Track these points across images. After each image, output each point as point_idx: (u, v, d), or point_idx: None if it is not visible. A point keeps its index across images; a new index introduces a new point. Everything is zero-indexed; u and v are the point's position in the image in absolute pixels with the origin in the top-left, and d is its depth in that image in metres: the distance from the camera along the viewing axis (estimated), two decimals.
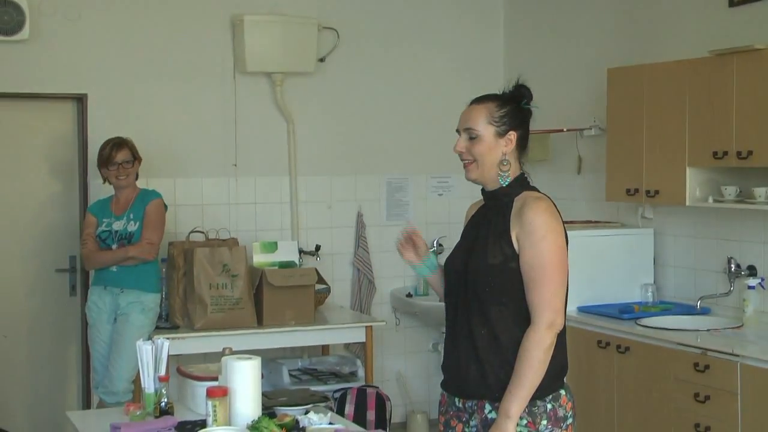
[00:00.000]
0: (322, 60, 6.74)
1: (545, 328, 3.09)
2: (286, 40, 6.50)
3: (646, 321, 5.38)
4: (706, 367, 4.84)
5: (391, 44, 7.01)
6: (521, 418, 3.11)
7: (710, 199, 5.30)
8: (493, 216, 3.25)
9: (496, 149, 3.23)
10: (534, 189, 3.28)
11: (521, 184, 3.27)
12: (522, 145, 3.28)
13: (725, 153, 5.09)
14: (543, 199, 3.22)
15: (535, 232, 3.12)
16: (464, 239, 3.37)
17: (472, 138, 3.24)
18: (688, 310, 5.61)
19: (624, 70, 5.80)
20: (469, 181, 3.34)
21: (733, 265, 5.44)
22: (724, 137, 5.10)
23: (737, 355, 4.69)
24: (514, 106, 3.25)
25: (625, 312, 5.55)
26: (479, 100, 3.28)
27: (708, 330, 5.17)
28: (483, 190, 3.34)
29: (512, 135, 3.23)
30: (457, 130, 3.29)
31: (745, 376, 4.65)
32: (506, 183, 3.24)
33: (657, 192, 5.52)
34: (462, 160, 3.28)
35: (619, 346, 5.38)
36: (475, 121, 3.24)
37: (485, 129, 3.23)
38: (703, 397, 4.85)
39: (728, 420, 4.73)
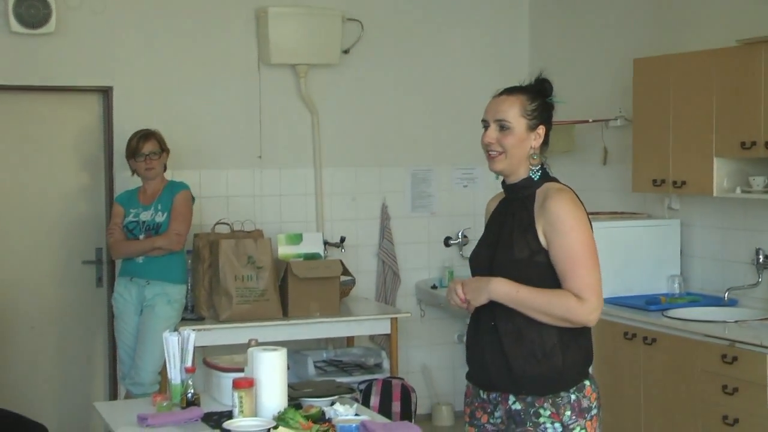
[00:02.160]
0: (346, 51, 6.73)
1: (593, 309, 3.11)
2: (311, 32, 6.50)
3: (672, 312, 5.35)
4: (734, 359, 4.81)
5: (415, 35, 6.99)
6: (545, 409, 3.12)
7: (738, 190, 5.26)
8: (516, 209, 3.24)
9: (526, 142, 3.22)
10: (555, 180, 3.27)
11: (542, 175, 3.26)
12: (547, 139, 3.27)
13: (753, 143, 5.05)
14: (565, 191, 3.21)
15: (562, 223, 3.12)
16: (488, 234, 3.36)
17: (504, 129, 3.22)
18: (716, 302, 5.58)
19: (650, 60, 5.76)
20: (492, 173, 3.32)
21: (761, 256, 5.40)
22: (752, 127, 5.06)
23: (765, 347, 4.66)
24: (542, 101, 3.24)
25: (652, 303, 5.53)
26: (510, 92, 3.26)
27: (736, 321, 5.14)
28: (504, 182, 3.33)
29: (541, 129, 3.23)
30: (484, 121, 3.27)
31: None
32: (537, 177, 3.23)
33: (684, 183, 5.49)
34: (489, 150, 3.25)
35: (645, 338, 5.35)
36: (507, 112, 3.22)
37: (518, 121, 3.21)
38: (731, 389, 4.82)
39: (757, 412, 4.69)
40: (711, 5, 5.75)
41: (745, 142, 5.09)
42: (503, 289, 3.14)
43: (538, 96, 3.24)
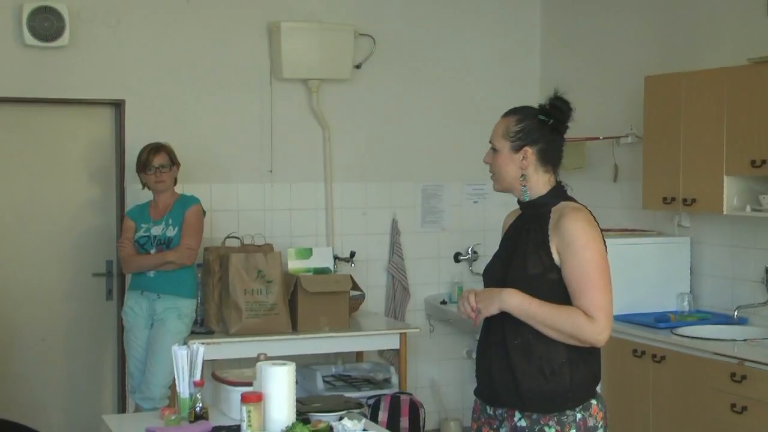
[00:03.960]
0: (358, 67, 6.75)
1: (603, 330, 3.11)
2: (323, 47, 6.52)
3: (682, 330, 5.35)
4: (743, 377, 4.79)
5: (427, 51, 7.01)
6: (550, 427, 3.12)
7: (748, 208, 5.26)
8: (531, 226, 3.25)
9: (512, 164, 3.25)
10: (571, 199, 3.28)
11: (558, 194, 3.27)
12: (548, 159, 3.25)
13: (763, 161, 5.05)
14: (581, 210, 3.21)
15: (575, 241, 3.12)
16: (502, 249, 3.37)
17: (495, 151, 3.29)
18: (725, 320, 5.57)
19: (661, 78, 5.77)
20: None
21: None
22: (762, 146, 5.06)
23: None
24: (535, 121, 3.24)
25: (661, 321, 5.52)
26: (506, 114, 3.31)
27: (745, 340, 5.13)
28: (519, 200, 3.34)
29: (527, 150, 3.23)
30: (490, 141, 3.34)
31: None
32: (526, 198, 3.26)
33: (694, 200, 5.49)
34: (490, 171, 3.32)
35: (654, 356, 5.34)
36: (495, 134, 3.29)
37: (501, 143, 3.26)
38: (740, 408, 4.80)
39: (766, 431, 4.68)
40: (722, 24, 5.75)
41: (756, 160, 5.09)
42: (515, 301, 3.14)
43: (531, 116, 3.24)
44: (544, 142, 3.24)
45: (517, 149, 3.24)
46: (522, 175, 3.24)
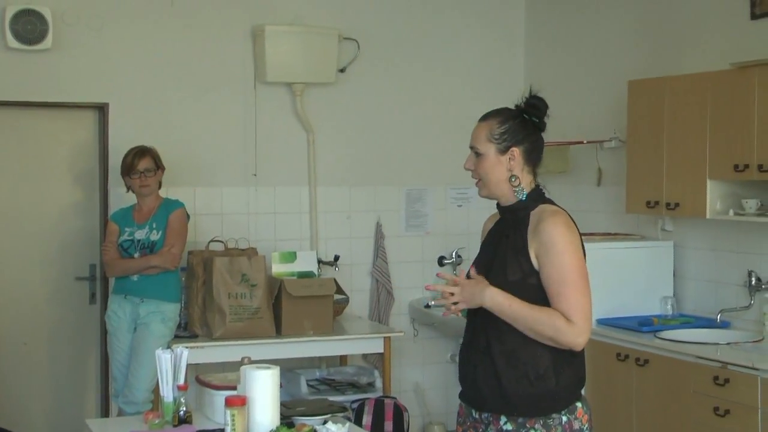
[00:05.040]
0: (342, 70, 6.75)
1: (581, 333, 3.11)
2: (307, 51, 6.52)
3: (665, 334, 5.36)
4: (726, 380, 4.81)
5: (411, 55, 7.01)
6: (536, 430, 3.13)
7: (731, 212, 5.28)
8: (510, 231, 3.25)
9: (500, 166, 3.24)
10: (550, 201, 3.28)
11: (536, 197, 3.27)
12: (532, 159, 3.27)
13: (746, 166, 5.07)
14: (559, 213, 3.21)
15: (554, 245, 3.12)
16: (482, 254, 3.37)
17: (478, 156, 3.27)
18: (708, 324, 5.59)
19: (644, 83, 5.79)
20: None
21: (753, 279, 5.41)
22: (745, 150, 5.08)
23: (758, 369, 4.66)
24: (517, 121, 3.24)
25: (645, 325, 5.53)
26: (484, 117, 3.30)
27: (728, 343, 5.15)
28: (498, 204, 3.34)
29: (515, 151, 3.24)
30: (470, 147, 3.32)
31: (766, 390, 4.62)
32: (524, 197, 3.24)
33: (677, 205, 5.51)
34: (472, 177, 3.31)
35: (638, 359, 5.36)
36: (477, 139, 3.27)
37: (486, 147, 3.25)
38: (723, 412, 4.82)
39: None
40: (705, 29, 5.78)
41: (738, 164, 5.11)
42: (497, 299, 3.14)
43: (513, 117, 3.25)
44: (529, 141, 3.25)
45: (503, 151, 3.24)
46: (513, 176, 3.24)
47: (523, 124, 3.25)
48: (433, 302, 3.29)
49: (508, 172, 3.24)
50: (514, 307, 3.13)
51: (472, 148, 3.28)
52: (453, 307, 3.21)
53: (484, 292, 3.16)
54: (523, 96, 3.29)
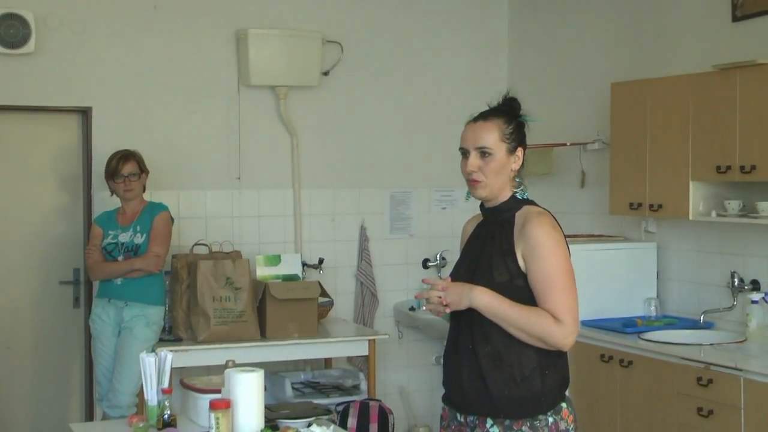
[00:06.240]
0: (326, 74, 6.75)
1: (570, 333, 3.12)
2: (290, 54, 6.52)
3: (649, 335, 5.38)
4: (710, 381, 4.83)
5: (394, 58, 7.02)
6: None
7: (713, 214, 5.30)
8: (495, 233, 3.25)
9: (507, 167, 3.24)
10: (533, 203, 3.29)
11: (520, 198, 3.28)
12: (523, 161, 3.29)
13: (728, 167, 5.09)
14: (544, 214, 3.22)
15: (541, 247, 3.13)
16: (466, 256, 3.36)
17: (485, 156, 3.22)
18: (692, 325, 5.61)
19: (627, 85, 5.81)
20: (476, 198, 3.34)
21: (736, 280, 5.44)
22: (727, 151, 5.11)
23: (740, 370, 4.69)
24: (518, 121, 3.26)
25: (628, 326, 5.55)
26: (486, 117, 3.26)
27: (711, 344, 5.17)
28: (482, 205, 3.34)
29: (520, 151, 3.25)
30: (462, 149, 3.27)
31: (749, 390, 4.65)
32: (524, 196, 3.26)
33: (660, 206, 5.53)
34: (471, 179, 3.24)
35: (621, 360, 5.37)
36: (487, 138, 3.21)
37: (498, 147, 3.21)
38: (707, 412, 4.84)
39: None
40: (688, 31, 5.81)
41: (721, 166, 5.13)
42: (485, 299, 3.14)
43: (512, 117, 3.26)
44: (525, 141, 3.28)
45: (512, 150, 3.24)
46: (517, 177, 3.25)
47: (519, 124, 3.27)
48: (424, 308, 3.26)
49: (512, 173, 3.25)
50: (503, 306, 3.13)
51: (479, 148, 3.21)
52: (441, 308, 3.20)
53: (471, 291, 3.15)
54: (500, 97, 3.29)
